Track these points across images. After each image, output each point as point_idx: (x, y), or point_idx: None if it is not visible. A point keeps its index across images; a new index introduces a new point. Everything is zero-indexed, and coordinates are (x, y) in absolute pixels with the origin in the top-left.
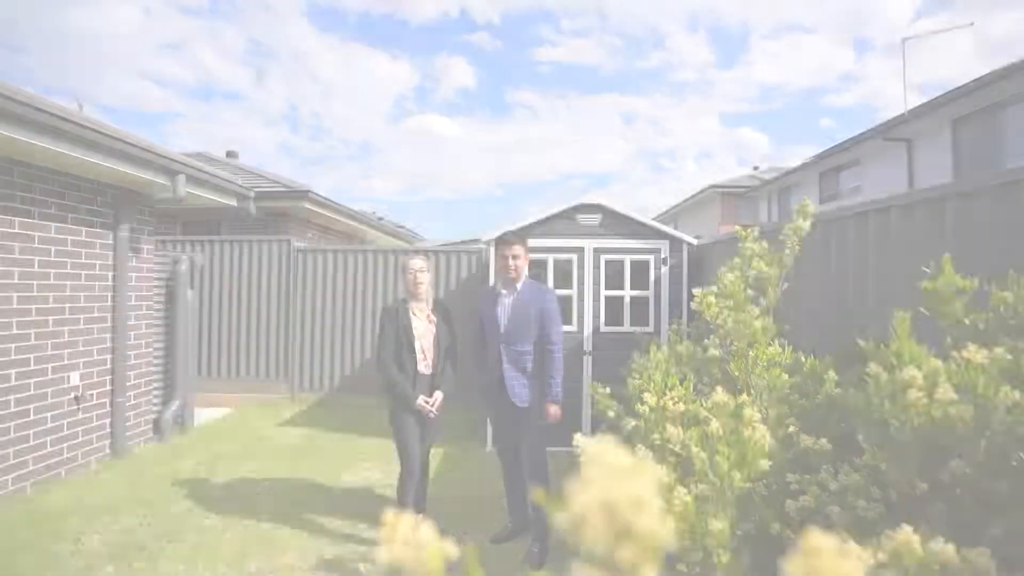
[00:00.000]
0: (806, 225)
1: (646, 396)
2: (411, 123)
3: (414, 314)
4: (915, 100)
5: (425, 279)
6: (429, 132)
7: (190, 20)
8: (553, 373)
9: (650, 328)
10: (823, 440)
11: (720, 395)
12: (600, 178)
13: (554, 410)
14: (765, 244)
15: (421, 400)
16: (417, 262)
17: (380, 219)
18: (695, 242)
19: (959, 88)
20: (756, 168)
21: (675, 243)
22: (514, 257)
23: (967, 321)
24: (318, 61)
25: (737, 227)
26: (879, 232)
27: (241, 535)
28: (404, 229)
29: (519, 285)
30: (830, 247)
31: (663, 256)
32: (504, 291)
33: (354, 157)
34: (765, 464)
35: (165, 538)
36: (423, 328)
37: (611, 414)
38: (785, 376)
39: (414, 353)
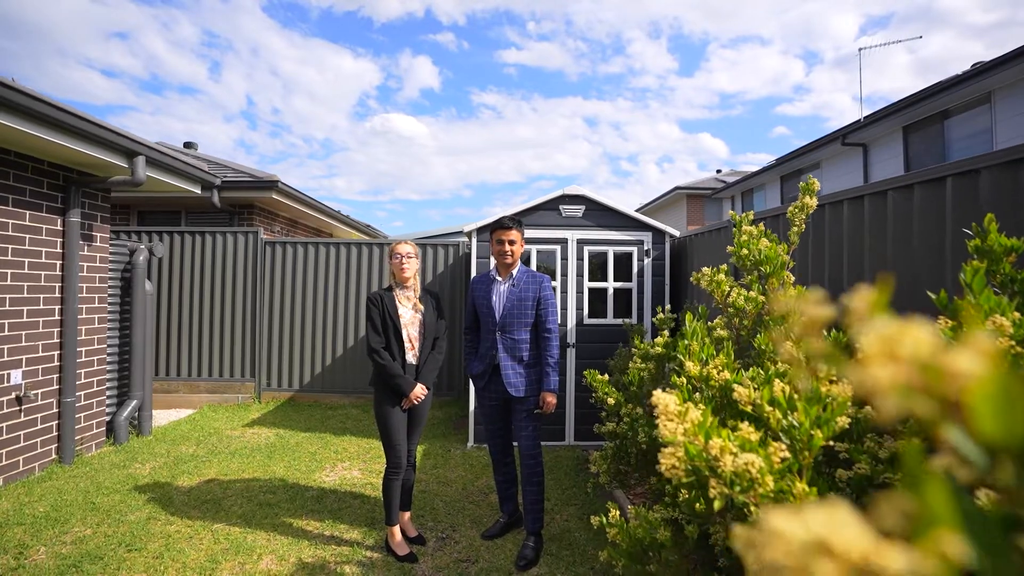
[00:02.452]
0: (813, 203)
1: (688, 365)
2: (375, 121)
3: (400, 302)
4: (860, 110)
5: (412, 265)
6: (394, 131)
7: (141, 8)
8: (550, 361)
9: (633, 320)
10: (867, 407)
11: (791, 350)
12: (566, 180)
13: (551, 399)
14: (762, 227)
15: (419, 390)
16: (405, 247)
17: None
18: (677, 234)
19: (909, 97)
20: (719, 171)
21: (657, 235)
22: (510, 243)
23: (1020, 277)
24: (278, 56)
25: (731, 212)
26: (874, 215)
27: (210, 541)
28: (371, 228)
29: (515, 272)
30: (823, 231)
31: (646, 248)
32: (499, 278)
33: (316, 155)
34: (845, 421)
35: (124, 547)
36: (410, 316)
37: (611, 401)
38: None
39: (402, 342)
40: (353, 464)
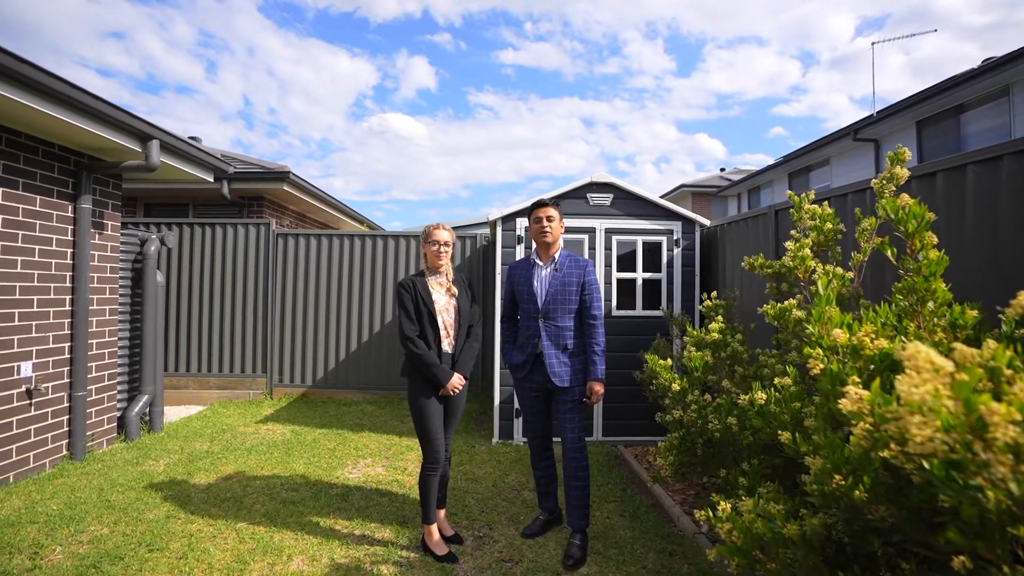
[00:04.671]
0: (904, 173)
1: (836, 333)
2: (372, 122)
3: (433, 287)
4: (856, 114)
5: (449, 252)
6: (391, 132)
7: (136, 8)
8: (596, 349)
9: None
10: None
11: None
12: (563, 180)
13: (599, 388)
14: (826, 206)
15: (457, 380)
16: (443, 234)
17: None
18: (708, 223)
19: (924, 91)
20: (723, 170)
21: (688, 224)
22: (548, 219)
23: None
24: (275, 56)
25: (789, 192)
26: (950, 193)
27: (235, 540)
28: (376, 226)
29: (556, 255)
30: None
31: (676, 237)
32: (540, 262)
33: (313, 155)
34: None
35: (144, 547)
36: (444, 302)
37: (675, 387)
38: (973, 312)
39: (437, 329)
40: (376, 461)
